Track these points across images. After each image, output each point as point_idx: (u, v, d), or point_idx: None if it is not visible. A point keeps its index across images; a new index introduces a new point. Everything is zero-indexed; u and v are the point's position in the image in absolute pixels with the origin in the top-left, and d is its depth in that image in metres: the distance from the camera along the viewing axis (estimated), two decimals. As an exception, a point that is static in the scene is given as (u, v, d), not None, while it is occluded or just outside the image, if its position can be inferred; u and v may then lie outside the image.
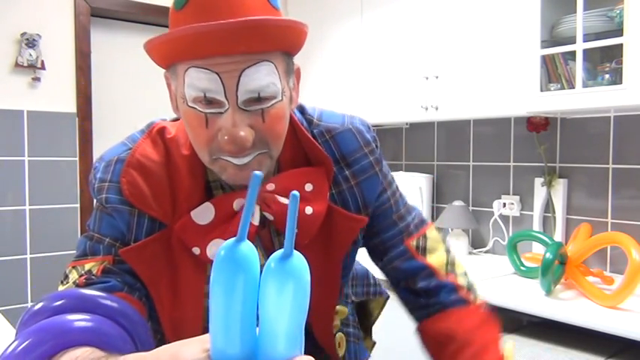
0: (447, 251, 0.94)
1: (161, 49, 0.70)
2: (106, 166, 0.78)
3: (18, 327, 0.70)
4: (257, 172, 0.39)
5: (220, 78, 0.66)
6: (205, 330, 0.71)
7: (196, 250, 0.75)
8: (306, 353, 0.42)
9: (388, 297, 1.03)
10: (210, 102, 0.68)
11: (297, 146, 0.82)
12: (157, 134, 0.80)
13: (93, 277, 0.74)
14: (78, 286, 0.74)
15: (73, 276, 0.76)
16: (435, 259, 0.90)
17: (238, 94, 0.67)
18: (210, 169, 0.79)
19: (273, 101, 0.70)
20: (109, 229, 0.77)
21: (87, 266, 0.76)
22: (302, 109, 0.87)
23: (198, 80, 0.67)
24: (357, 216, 0.85)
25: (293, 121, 0.82)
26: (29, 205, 2.69)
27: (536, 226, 2.22)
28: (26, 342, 0.66)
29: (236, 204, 0.76)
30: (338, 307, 0.95)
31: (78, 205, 2.82)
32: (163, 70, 0.77)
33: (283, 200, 0.76)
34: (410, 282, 0.90)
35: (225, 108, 0.68)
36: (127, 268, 0.76)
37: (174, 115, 0.86)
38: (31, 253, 2.70)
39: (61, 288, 0.76)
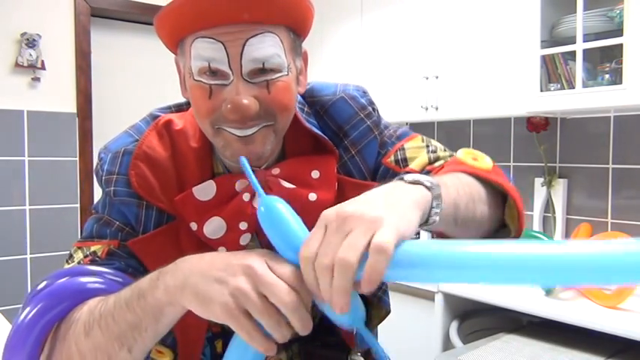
0: (431, 152, 0.87)
1: (168, 23, 0.70)
2: (113, 158, 0.78)
3: (22, 307, 0.70)
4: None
5: (225, 47, 0.67)
6: (209, 322, 0.71)
7: (194, 226, 0.75)
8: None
9: (389, 312, 0.99)
10: (214, 73, 0.68)
11: (301, 136, 0.81)
12: (163, 127, 0.79)
13: (97, 258, 0.76)
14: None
15: (78, 256, 0.77)
16: (416, 164, 0.85)
17: (242, 63, 0.67)
18: (216, 161, 0.79)
19: (279, 74, 0.70)
20: (119, 215, 0.78)
21: (92, 248, 0.77)
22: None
23: (203, 50, 0.68)
24: (367, 182, 0.82)
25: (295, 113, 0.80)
26: (29, 205, 2.69)
27: (536, 226, 2.22)
28: (37, 307, 0.66)
29: (238, 185, 0.76)
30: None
31: (78, 205, 2.82)
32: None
33: (287, 185, 0.76)
34: None
35: (230, 80, 0.68)
36: (132, 252, 0.77)
37: (174, 102, 0.85)
38: (31, 253, 2.70)
39: (66, 266, 0.77)
